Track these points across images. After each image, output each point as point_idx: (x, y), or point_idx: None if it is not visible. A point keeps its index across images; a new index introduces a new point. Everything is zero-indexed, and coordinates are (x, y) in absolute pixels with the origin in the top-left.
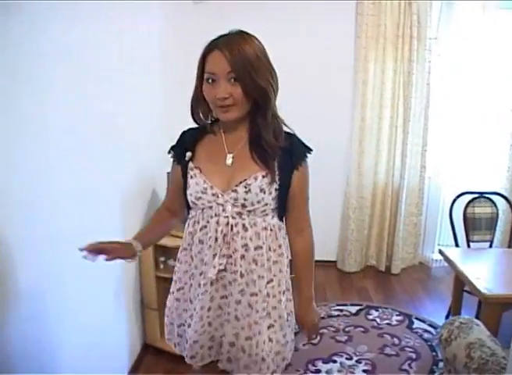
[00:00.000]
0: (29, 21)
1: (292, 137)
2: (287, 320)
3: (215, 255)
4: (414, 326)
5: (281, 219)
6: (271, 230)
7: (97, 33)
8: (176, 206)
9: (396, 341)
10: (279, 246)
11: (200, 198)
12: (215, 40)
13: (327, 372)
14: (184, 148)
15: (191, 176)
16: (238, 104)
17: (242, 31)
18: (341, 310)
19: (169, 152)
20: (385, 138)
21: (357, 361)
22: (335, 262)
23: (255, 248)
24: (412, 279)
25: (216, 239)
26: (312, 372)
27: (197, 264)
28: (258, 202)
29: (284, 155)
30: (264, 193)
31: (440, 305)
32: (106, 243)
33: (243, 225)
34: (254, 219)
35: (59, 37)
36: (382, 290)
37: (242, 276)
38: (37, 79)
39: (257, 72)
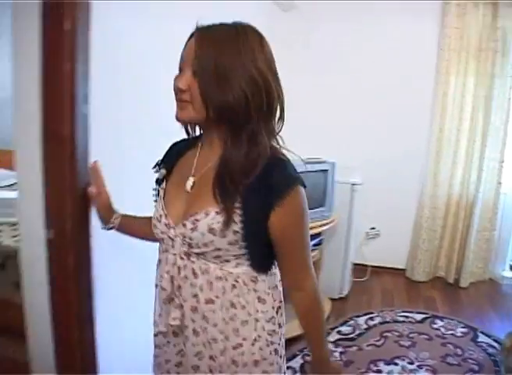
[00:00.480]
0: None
1: (279, 165)
2: None
3: (165, 301)
4: (478, 340)
5: (265, 269)
6: (235, 281)
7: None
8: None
9: (459, 351)
10: (247, 302)
11: (155, 226)
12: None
13: (388, 372)
14: (163, 164)
15: (155, 200)
16: (194, 102)
17: (242, 23)
18: (407, 317)
19: (153, 167)
20: (463, 151)
21: (418, 366)
22: (404, 270)
23: (206, 302)
24: (480, 293)
25: (164, 285)
26: (374, 371)
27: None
28: (205, 245)
29: (259, 190)
30: (215, 235)
31: (508, 323)
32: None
33: (193, 269)
34: (207, 265)
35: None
36: (449, 301)
37: (197, 334)
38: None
39: (226, 71)
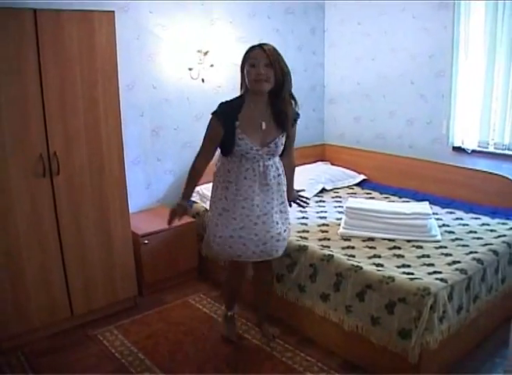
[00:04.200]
0: None
1: (294, 111)
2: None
3: (255, 184)
4: None
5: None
6: (279, 162)
7: None
8: (212, 157)
9: None
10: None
11: (248, 152)
12: (254, 46)
13: None
14: (230, 117)
15: (240, 138)
16: (268, 81)
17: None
18: None
19: (216, 118)
20: None
21: None
22: None
23: (277, 172)
24: None
25: (258, 174)
26: None
27: (242, 192)
28: (277, 152)
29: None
30: (282, 145)
31: None
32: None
33: (271, 163)
34: (274, 159)
35: None
36: None
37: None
38: None
39: (280, 63)
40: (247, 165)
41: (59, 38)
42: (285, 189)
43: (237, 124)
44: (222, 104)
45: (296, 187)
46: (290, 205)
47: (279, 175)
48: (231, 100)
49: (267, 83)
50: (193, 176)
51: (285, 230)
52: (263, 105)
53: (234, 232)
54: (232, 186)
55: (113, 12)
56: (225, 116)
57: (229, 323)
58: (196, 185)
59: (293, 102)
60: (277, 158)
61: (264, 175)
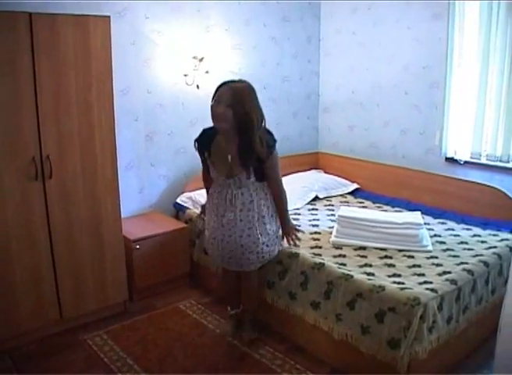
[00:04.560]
0: None
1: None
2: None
3: (222, 207)
4: None
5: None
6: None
7: None
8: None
9: None
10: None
11: (217, 178)
12: (225, 82)
13: None
14: (203, 147)
15: (211, 166)
16: (226, 120)
17: (244, 81)
18: None
19: (196, 146)
20: None
21: None
22: None
23: (250, 202)
24: None
25: (226, 199)
26: None
27: (213, 209)
28: (247, 183)
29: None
30: (250, 178)
31: None
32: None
33: (241, 193)
34: (246, 188)
35: None
36: None
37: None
38: None
39: (244, 104)
40: (219, 188)
41: (54, 42)
42: (256, 215)
43: (206, 155)
44: (202, 131)
45: (289, 195)
46: (282, 238)
47: (250, 201)
48: (208, 128)
49: (224, 123)
50: (206, 189)
51: (252, 251)
52: (230, 138)
53: (209, 241)
54: (209, 202)
55: (109, 17)
56: (200, 146)
57: (228, 320)
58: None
59: (266, 136)
60: (251, 187)
61: (230, 202)
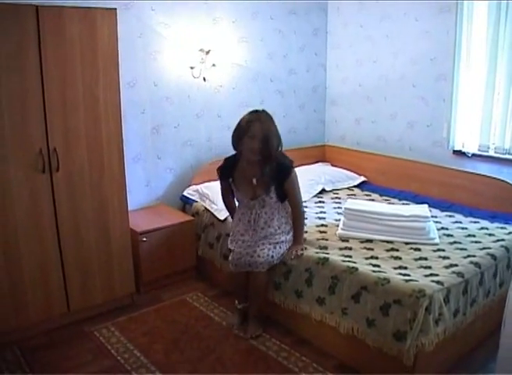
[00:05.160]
0: None
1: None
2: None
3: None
4: None
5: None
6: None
7: None
8: (230, 196)
9: None
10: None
11: (241, 202)
12: (252, 118)
13: None
14: (226, 174)
15: (235, 191)
16: (260, 153)
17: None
18: None
19: (219, 174)
20: None
21: None
22: None
23: (265, 222)
24: None
25: (250, 219)
26: None
27: (241, 230)
28: (270, 202)
29: (277, 178)
30: (272, 198)
31: None
32: None
33: (265, 212)
34: (267, 208)
35: None
36: None
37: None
38: None
39: (271, 138)
40: (243, 209)
41: (61, 35)
42: (274, 230)
43: (230, 180)
44: (225, 160)
45: None
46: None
47: (272, 219)
48: (230, 157)
49: (258, 156)
50: (229, 208)
51: (263, 256)
52: (254, 164)
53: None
54: (235, 220)
55: (115, 9)
56: (224, 173)
57: (235, 313)
58: (235, 209)
59: (284, 158)
60: (274, 206)
61: (253, 221)
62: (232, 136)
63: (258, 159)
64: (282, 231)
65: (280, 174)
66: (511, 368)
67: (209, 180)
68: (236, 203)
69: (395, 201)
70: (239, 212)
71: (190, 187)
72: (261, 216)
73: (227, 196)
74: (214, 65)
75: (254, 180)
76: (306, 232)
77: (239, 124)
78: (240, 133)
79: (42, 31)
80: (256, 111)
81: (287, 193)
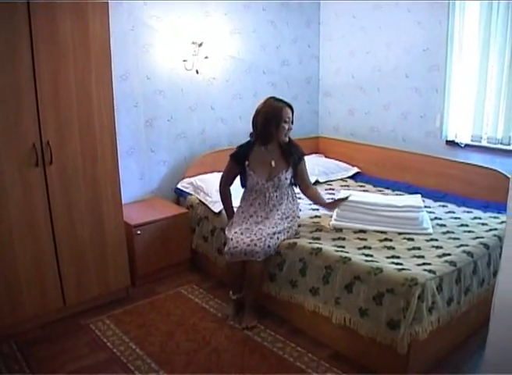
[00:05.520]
0: None
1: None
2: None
3: (263, 211)
4: None
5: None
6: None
7: None
8: (230, 184)
9: None
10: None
11: (254, 186)
12: (280, 104)
13: None
14: (243, 157)
15: (249, 174)
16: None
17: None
18: None
19: (233, 160)
20: None
21: None
22: None
23: (280, 203)
24: None
25: (263, 203)
26: None
27: (248, 217)
28: (283, 185)
29: (294, 160)
30: (286, 179)
31: None
32: None
33: (276, 194)
34: (280, 191)
35: None
36: None
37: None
38: None
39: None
40: (254, 195)
41: (52, 29)
42: (279, 214)
43: (247, 163)
44: (238, 147)
45: None
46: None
47: (280, 203)
48: (244, 144)
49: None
50: (224, 199)
51: (260, 244)
52: (274, 147)
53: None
54: (243, 206)
55: (107, 2)
56: (240, 158)
57: (229, 304)
58: (230, 203)
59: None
60: (284, 190)
61: (266, 203)
62: (265, 125)
63: (278, 144)
64: (287, 217)
65: (296, 156)
66: (499, 355)
67: (203, 173)
68: (240, 193)
69: (388, 191)
70: (249, 197)
71: (184, 180)
72: (272, 198)
73: (228, 182)
74: (206, 57)
75: (273, 162)
76: (300, 226)
77: (273, 113)
78: (278, 119)
79: (34, 26)
80: (273, 97)
81: (301, 173)
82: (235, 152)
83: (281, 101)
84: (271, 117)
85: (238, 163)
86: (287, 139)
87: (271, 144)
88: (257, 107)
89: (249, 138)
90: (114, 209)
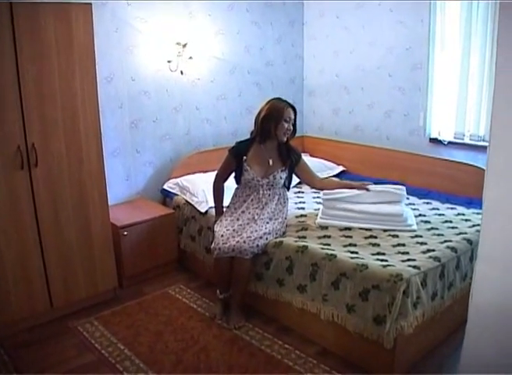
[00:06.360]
0: None
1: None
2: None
3: (255, 208)
4: None
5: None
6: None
7: None
8: (225, 179)
9: None
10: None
11: (249, 182)
12: (282, 103)
13: None
14: (241, 152)
15: (245, 170)
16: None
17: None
18: None
19: (230, 154)
20: None
21: None
22: None
23: (274, 203)
24: None
25: (256, 199)
26: None
27: (240, 213)
28: (277, 184)
29: (291, 161)
30: (281, 179)
31: None
32: None
33: (270, 193)
34: (273, 190)
35: None
36: None
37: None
38: None
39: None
40: (248, 191)
41: (36, 30)
42: (268, 212)
43: (245, 159)
44: (237, 143)
45: None
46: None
47: (271, 202)
48: (242, 141)
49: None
50: (217, 195)
51: (248, 241)
52: (273, 146)
53: (223, 235)
54: (235, 203)
55: (90, 4)
56: (238, 153)
57: (217, 303)
58: (222, 200)
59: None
60: (278, 191)
61: (257, 199)
62: (265, 122)
63: (276, 143)
64: (276, 218)
65: (294, 158)
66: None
67: (189, 173)
68: (232, 189)
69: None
70: (243, 194)
71: (170, 181)
72: (264, 195)
73: (224, 177)
74: (191, 58)
75: (271, 161)
76: (287, 226)
77: (274, 111)
78: (278, 118)
79: (17, 27)
80: (278, 98)
81: (306, 170)
82: (233, 147)
83: (285, 101)
84: (272, 114)
85: (236, 158)
86: (285, 139)
87: (270, 142)
88: (260, 106)
89: (246, 137)
90: (100, 211)
